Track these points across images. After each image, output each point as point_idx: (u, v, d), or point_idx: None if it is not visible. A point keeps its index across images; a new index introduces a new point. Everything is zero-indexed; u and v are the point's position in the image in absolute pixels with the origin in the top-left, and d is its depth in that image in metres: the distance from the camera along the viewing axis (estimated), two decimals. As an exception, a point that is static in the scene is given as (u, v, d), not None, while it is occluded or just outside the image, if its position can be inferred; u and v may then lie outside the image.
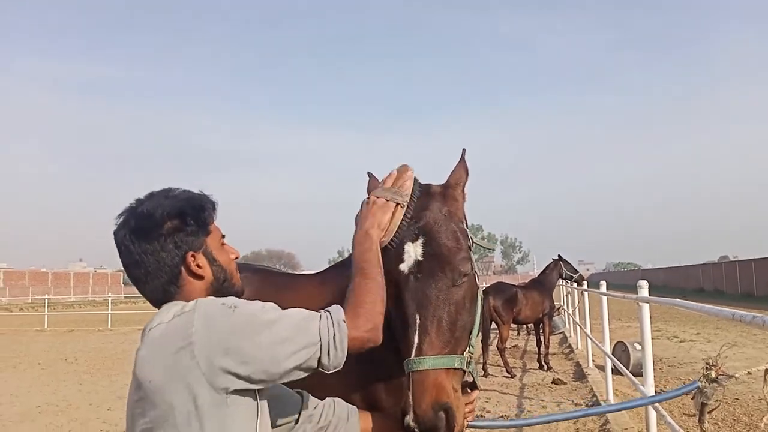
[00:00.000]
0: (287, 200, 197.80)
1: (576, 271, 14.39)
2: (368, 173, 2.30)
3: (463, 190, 2.27)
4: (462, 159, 2.29)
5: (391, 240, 2.09)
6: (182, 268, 1.78)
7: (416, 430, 1.86)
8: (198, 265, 1.79)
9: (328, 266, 3.15)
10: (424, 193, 2.18)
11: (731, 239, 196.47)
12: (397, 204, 2.11)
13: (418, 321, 1.98)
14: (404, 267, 2.04)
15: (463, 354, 2.02)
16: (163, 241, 1.75)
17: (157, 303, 1.80)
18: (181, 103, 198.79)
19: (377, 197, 2.12)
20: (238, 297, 1.82)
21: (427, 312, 1.99)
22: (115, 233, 1.81)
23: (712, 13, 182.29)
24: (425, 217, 2.10)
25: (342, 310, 1.75)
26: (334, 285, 2.78)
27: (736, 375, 2.16)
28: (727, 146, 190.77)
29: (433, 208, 2.13)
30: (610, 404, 7.55)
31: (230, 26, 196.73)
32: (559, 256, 14.30)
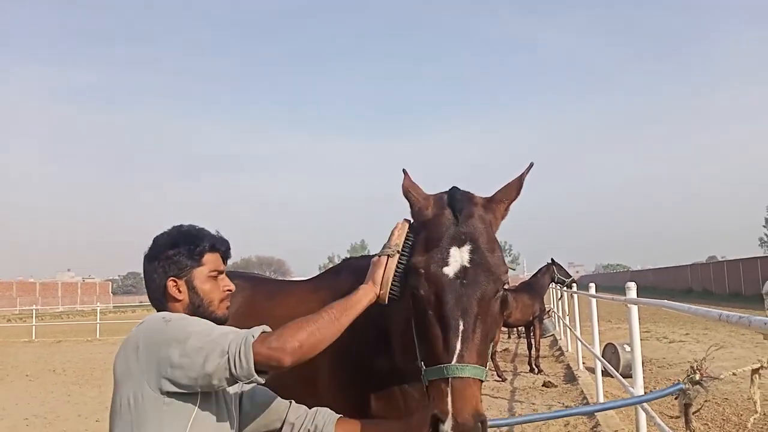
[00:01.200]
0: (278, 206, 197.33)
1: (569, 276, 14.44)
2: (403, 170, 2.28)
3: (507, 208, 2.25)
4: (521, 175, 2.26)
5: (391, 292, 2.16)
6: (165, 290, 2.18)
7: None
8: (178, 290, 2.18)
9: (319, 273, 3.17)
10: (468, 201, 2.17)
11: (719, 240, 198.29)
12: (388, 256, 2.18)
13: (461, 327, 1.96)
14: (449, 271, 2.02)
15: (485, 365, 2.01)
16: (156, 264, 2.19)
17: (158, 309, 2.22)
18: (173, 107, 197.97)
19: (378, 257, 2.24)
20: (220, 323, 2.13)
21: (470, 320, 1.97)
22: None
23: (706, 14, 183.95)
24: (471, 224, 2.10)
25: (262, 329, 1.96)
26: (326, 291, 2.78)
27: (720, 376, 2.18)
28: (717, 148, 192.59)
29: (476, 216, 2.13)
30: (594, 404, 7.59)
31: (213, 32, 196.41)
32: (552, 260, 14.36)
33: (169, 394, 1.94)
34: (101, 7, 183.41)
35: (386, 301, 2.16)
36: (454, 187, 2.21)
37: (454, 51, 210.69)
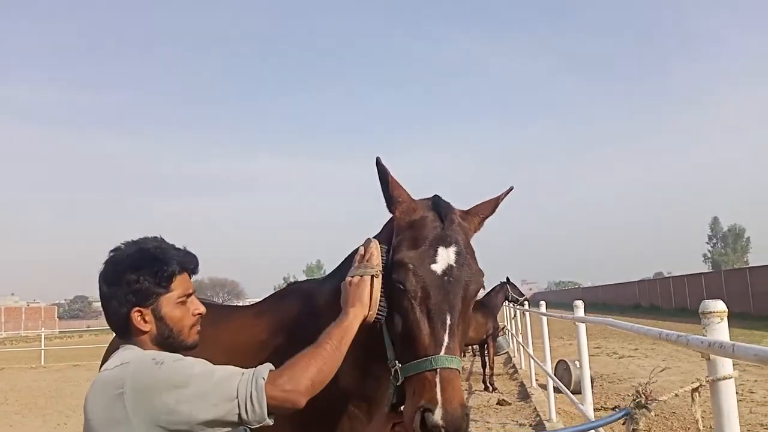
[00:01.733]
0: (232, 225, 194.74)
1: (522, 294, 14.71)
2: (378, 159, 2.28)
3: (481, 223, 2.36)
4: (499, 196, 2.39)
5: (379, 312, 2.14)
6: (128, 321, 1.91)
7: (443, 429, 1.85)
8: (144, 320, 1.92)
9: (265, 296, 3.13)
10: (450, 208, 2.26)
11: (665, 257, 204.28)
12: (372, 276, 2.16)
13: (449, 321, 2.03)
14: (437, 268, 2.08)
15: None
16: (117, 289, 1.90)
17: (120, 337, 1.98)
18: (122, 126, 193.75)
19: (351, 277, 2.17)
20: (191, 349, 1.98)
21: (456, 315, 2.05)
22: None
23: (656, 41, 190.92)
24: (454, 229, 2.19)
25: (268, 368, 1.83)
26: (270, 316, 2.75)
27: (663, 398, 2.26)
28: (661, 169, 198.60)
29: (457, 222, 2.23)
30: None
31: (184, 49, 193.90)
32: (507, 279, 14.59)
33: None
34: (71, 23, 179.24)
35: (372, 321, 2.15)
36: (436, 195, 2.30)
37: (411, 74, 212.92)
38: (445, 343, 1.98)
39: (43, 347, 28.83)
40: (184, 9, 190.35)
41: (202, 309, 2.03)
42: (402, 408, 2.06)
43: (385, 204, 2.29)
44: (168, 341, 1.95)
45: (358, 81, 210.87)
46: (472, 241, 2.28)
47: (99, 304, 2.06)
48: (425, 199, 2.30)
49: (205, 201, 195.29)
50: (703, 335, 2.44)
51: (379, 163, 2.25)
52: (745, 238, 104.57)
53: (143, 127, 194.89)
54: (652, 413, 2.33)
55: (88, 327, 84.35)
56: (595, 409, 6.99)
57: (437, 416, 1.85)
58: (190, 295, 2.01)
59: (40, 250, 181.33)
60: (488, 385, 12.81)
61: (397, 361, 2.06)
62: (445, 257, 2.10)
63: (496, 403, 11.09)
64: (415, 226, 2.19)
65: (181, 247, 2.06)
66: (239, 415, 1.75)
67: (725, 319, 2.42)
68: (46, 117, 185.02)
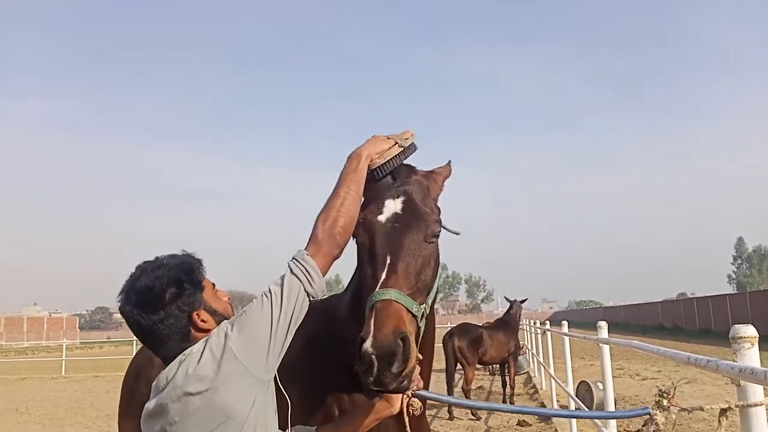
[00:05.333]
0: (251, 239, 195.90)
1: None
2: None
3: (443, 182, 2.55)
4: (448, 162, 2.64)
5: (380, 168, 2.35)
6: (190, 327, 2.05)
7: (374, 356, 1.89)
8: (203, 320, 2.07)
9: None
10: (407, 168, 2.45)
11: (689, 277, 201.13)
12: (396, 143, 2.39)
13: (388, 261, 2.13)
14: (382, 218, 2.24)
15: (421, 305, 2.13)
16: (168, 309, 2.02)
17: (173, 359, 2.03)
18: (145, 138, 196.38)
19: (378, 136, 2.41)
20: None
21: (398, 255, 2.15)
22: (121, 309, 2.08)
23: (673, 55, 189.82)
24: (408, 183, 2.36)
25: (302, 251, 2.10)
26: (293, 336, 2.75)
27: (688, 408, 2.21)
28: (685, 187, 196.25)
29: (414, 179, 2.41)
30: (559, 409, 7.52)
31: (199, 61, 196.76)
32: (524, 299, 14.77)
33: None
34: (70, 35, 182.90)
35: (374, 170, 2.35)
36: (402, 164, 2.46)
37: (417, 89, 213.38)
38: (381, 280, 2.08)
39: (64, 357, 29.15)
40: (187, 12, 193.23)
41: (228, 295, 2.24)
42: None
43: None
44: None
45: (382, 94, 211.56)
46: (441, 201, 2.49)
47: (119, 315, 2.19)
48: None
49: (223, 212, 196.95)
50: (734, 360, 2.39)
51: None
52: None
53: (166, 138, 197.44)
54: (673, 416, 2.27)
55: (109, 338, 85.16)
56: (618, 432, 6.84)
57: (367, 344, 1.91)
58: (213, 286, 2.21)
59: (63, 262, 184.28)
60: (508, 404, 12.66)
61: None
62: (392, 207, 2.26)
63: (516, 424, 10.95)
64: (370, 191, 2.35)
65: (182, 252, 2.21)
66: (307, 293, 2.03)
67: (756, 344, 2.38)
68: (61, 125, 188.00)
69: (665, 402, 2.27)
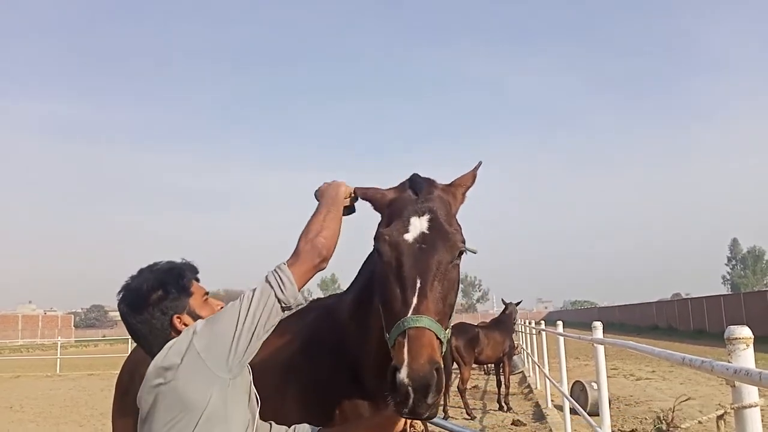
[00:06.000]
0: (252, 240, 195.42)
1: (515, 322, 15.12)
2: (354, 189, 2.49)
3: (464, 194, 2.47)
4: (474, 168, 2.53)
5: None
6: (171, 330, 2.15)
7: (410, 387, 1.84)
8: (184, 324, 2.16)
9: None
10: (428, 183, 2.37)
11: (684, 278, 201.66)
12: (351, 195, 2.44)
13: (419, 285, 2.06)
14: (409, 237, 2.16)
15: (446, 330, 2.08)
16: (151, 310, 2.15)
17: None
18: (144, 140, 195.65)
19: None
20: None
21: (427, 278, 2.08)
22: (118, 309, 2.23)
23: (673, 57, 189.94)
24: (431, 200, 2.27)
25: (284, 264, 2.15)
26: (293, 335, 2.75)
27: (686, 426, 2.21)
28: (681, 188, 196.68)
29: (435, 195, 2.32)
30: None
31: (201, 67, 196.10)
32: (519, 302, 14.82)
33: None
34: (65, 37, 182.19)
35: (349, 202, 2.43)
36: (414, 173, 2.39)
37: (420, 90, 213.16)
38: (413, 305, 2.01)
39: (59, 355, 29.01)
40: (188, 22, 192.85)
41: (222, 304, 2.27)
42: None
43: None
44: None
45: (384, 99, 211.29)
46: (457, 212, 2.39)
47: (115, 313, 2.27)
48: (405, 180, 2.41)
49: (223, 212, 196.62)
50: (728, 361, 2.39)
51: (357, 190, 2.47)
52: (765, 261, 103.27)
53: (171, 142, 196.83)
54: (675, 438, 2.28)
55: (104, 336, 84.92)
56: (613, 433, 6.86)
57: (403, 374, 1.86)
58: (206, 294, 2.28)
59: (57, 259, 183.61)
60: (503, 404, 12.69)
61: (387, 332, 2.09)
62: (418, 226, 2.18)
63: (511, 424, 10.97)
64: (391, 205, 2.31)
65: (180, 260, 2.32)
66: (278, 299, 2.06)
67: (751, 345, 2.38)
68: (60, 129, 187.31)
69: (664, 426, 2.28)
